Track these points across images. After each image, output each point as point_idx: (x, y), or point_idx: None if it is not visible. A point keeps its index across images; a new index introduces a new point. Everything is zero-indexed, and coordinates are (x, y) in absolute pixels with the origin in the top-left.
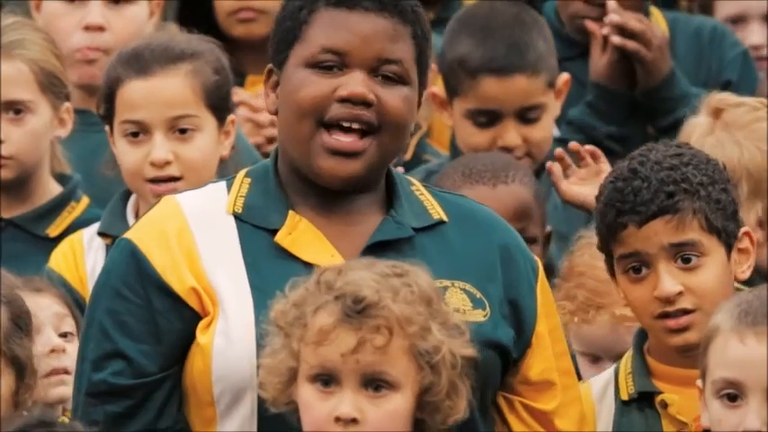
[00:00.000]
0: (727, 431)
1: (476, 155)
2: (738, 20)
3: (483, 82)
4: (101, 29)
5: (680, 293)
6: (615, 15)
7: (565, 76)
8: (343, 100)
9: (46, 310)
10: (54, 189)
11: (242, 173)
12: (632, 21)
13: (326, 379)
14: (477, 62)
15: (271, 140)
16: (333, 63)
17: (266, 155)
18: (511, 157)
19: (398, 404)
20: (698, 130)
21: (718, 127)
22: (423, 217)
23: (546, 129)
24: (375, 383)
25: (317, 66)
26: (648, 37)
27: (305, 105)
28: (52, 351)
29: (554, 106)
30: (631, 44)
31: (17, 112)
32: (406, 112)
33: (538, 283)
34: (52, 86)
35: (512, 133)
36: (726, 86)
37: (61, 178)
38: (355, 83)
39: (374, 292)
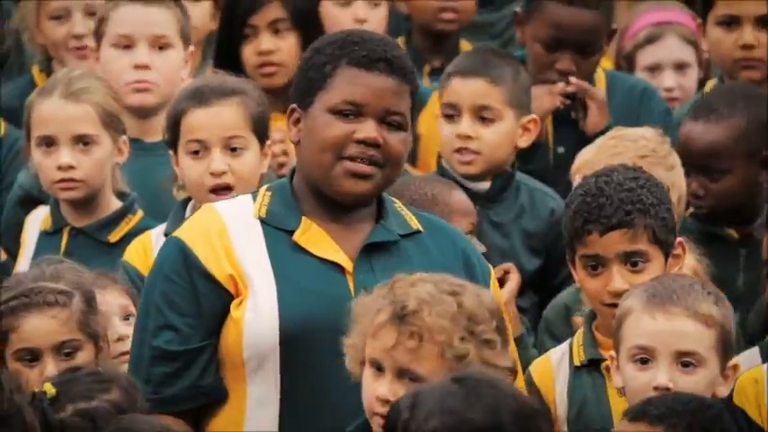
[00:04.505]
0: (639, 386)
1: (408, 185)
2: (655, 68)
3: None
4: (146, 67)
5: (627, 290)
6: (573, 87)
7: (533, 116)
8: (360, 141)
9: (112, 302)
10: (115, 204)
11: (263, 188)
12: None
13: (377, 366)
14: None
15: (281, 165)
16: (351, 112)
17: (280, 175)
18: (438, 177)
19: None
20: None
21: None
22: (404, 226)
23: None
24: (408, 375)
25: (338, 113)
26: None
27: (329, 143)
28: (119, 339)
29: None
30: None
31: (85, 144)
32: (403, 150)
33: (491, 281)
34: (112, 123)
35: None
36: None
37: (121, 195)
38: (370, 129)
39: (417, 303)
